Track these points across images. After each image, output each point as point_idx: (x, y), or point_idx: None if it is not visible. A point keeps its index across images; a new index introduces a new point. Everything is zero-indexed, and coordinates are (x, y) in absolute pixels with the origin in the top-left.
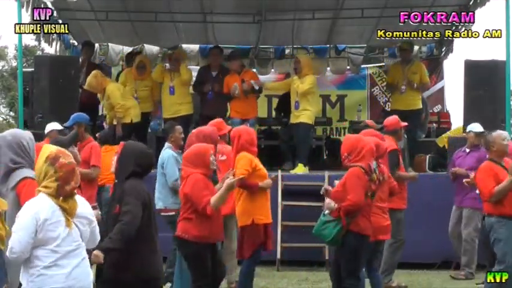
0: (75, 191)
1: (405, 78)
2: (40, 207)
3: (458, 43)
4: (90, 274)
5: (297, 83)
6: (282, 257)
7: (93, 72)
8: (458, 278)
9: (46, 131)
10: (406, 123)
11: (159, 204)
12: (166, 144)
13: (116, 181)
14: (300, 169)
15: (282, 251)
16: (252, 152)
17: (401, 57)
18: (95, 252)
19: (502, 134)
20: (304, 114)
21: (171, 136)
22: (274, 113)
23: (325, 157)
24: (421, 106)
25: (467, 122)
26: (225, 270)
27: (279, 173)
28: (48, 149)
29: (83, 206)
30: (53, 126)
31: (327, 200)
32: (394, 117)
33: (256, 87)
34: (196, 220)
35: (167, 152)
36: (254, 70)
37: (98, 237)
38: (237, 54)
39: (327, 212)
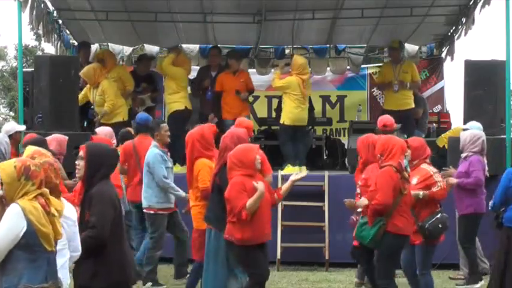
0: (60, 189)
1: (397, 78)
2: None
3: (458, 43)
4: (69, 275)
5: (274, 77)
6: (282, 257)
7: (95, 64)
8: (456, 278)
9: (7, 132)
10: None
11: (144, 203)
12: (153, 142)
13: (86, 186)
14: (288, 169)
15: (282, 251)
16: (209, 156)
17: (391, 56)
18: None
19: None
20: (281, 115)
21: (157, 134)
22: (274, 113)
23: (325, 157)
24: (413, 105)
25: (467, 122)
26: (268, 273)
27: (279, 173)
28: (30, 150)
29: (68, 207)
30: (14, 126)
31: (362, 198)
32: (389, 117)
33: (245, 97)
34: (238, 223)
35: (153, 151)
36: (254, 70)
37: (79, 242)
38: (240, 55)
39: (359, 209)
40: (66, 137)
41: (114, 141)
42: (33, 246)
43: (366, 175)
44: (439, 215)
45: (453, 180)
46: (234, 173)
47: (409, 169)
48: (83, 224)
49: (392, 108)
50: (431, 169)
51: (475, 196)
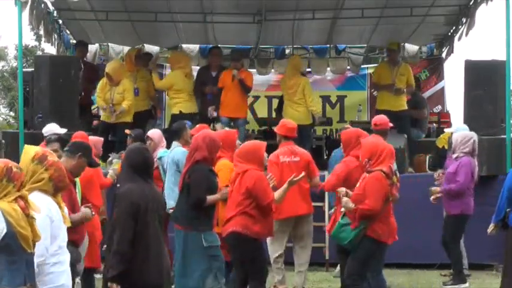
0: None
1: (394, 80)
2: (49, 204)
3: (458, 43)
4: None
5: None
6: None
7: (117, 60)
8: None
9: (45, 133)
10: (391, 124)
11: (170, 203)
12: (175, 143)
13: (118, 185)
14: None
15: None
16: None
17: (390, 57)
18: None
19: None
20: None
21: (184, 134)
22: (274, 113)
23: (325, 157)
24: (406, 107)
25: (467, 122)
26: (268, 270)
27: None
28: (32, 149)
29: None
30: (52, 128)
31: (345, 199)
32: (383, 117)
33: (236, 76)
34: (258, 217)
35: (180, 149)
36: (254, 70)
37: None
38: (238, 56)
39: (342, 209)
40: (102, 139)
41: (164, 143)
42: (13, 248)
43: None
44: None
45: (436, 190)
46: (242, 166)
47: (397, 173)
48: (112, 220)
49: (386, 108)
50: None
51: (462, 198)
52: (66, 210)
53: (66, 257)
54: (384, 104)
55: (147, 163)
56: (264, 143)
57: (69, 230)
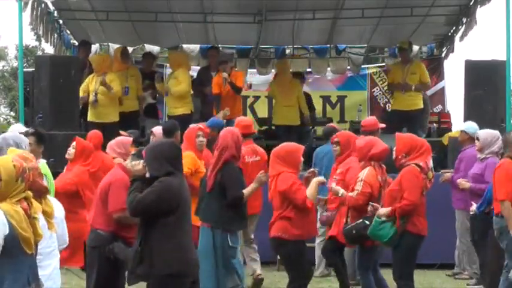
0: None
1: (404, 79)
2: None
3: (458, 43)
4: (60, 275)
5: None
6: None
7: (106, 55)
8: (462, 278)
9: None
10: (383, 125)
11: None
12: None
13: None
14: None
15: None
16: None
17: (401, 57)
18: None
19: None
20: None
21: (176, 134)
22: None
23: None
24: (422, 106)
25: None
26: (313, 271)
27: None
28: (8, 163)
29: (55, 205)
30: (19, 128)
31: (382, 210)
32: (372, 118)
33: (227, 79)
34: (295, 219)
35: None
36: (255, 70)
37: (67, 236)
38: (226, 58)
39: (383, 219)
40: (130, 138)
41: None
42: (14, 250)
43: (344, 168)
44: (359, 221)
45: (466, 185)
46: (277, 167)
47: (433, 171)
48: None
49: (400, 108)
50: (363, 174)
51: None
52: (59, 208)
53: (51, 262)
54: (396, 104)
55: (180, 157)
56: (302, 147)
57: (125, 228)
